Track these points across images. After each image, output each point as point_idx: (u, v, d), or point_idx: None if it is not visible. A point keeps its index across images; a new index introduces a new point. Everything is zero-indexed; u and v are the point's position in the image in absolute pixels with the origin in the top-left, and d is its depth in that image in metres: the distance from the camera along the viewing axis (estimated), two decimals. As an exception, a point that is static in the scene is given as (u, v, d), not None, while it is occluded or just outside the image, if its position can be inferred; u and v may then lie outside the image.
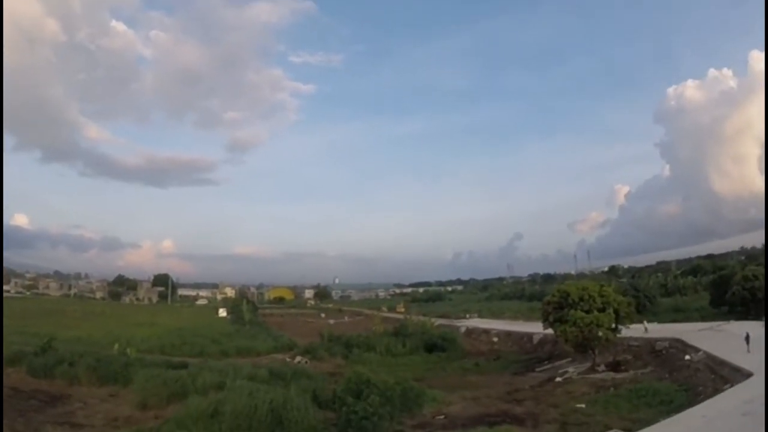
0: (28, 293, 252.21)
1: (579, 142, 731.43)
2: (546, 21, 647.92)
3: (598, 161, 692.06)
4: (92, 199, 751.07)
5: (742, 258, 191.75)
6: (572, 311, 59.69)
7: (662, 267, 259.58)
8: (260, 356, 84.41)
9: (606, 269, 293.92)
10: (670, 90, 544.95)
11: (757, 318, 71.52)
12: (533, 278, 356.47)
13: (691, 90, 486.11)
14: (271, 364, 69.97)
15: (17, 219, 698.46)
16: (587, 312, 59.20)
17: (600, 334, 58.84)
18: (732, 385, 42.17)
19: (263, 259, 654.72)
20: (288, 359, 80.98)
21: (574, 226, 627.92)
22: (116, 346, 78.54)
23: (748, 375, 42.59)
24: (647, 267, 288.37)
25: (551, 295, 67.13)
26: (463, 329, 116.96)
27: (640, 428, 34.34)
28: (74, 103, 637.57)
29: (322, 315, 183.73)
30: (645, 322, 76.76)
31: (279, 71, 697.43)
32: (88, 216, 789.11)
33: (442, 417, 45.84)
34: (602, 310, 59.71)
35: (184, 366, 66.23)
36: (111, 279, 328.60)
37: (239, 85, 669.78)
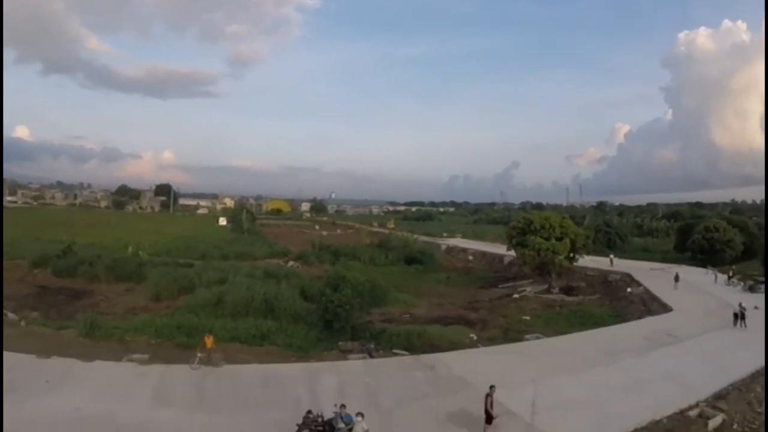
0: (35, 203, 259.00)
1: (583, 77, 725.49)
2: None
3: (600, 98, 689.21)
4: (92, 110, 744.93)
5: (728, 211, 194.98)
6: (533, 237, 66.79)
7: (650, 209, 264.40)
8: (257, 260, 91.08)
9: (595, 204, 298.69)
10: (681, 35, 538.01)
11: (712, 266, 78.74)
12: (524, 206, 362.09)
13: (702, 38, 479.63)
14: (267, 266, 77.00)
15: (18, 131, 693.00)
16: (546, 239, 66.34)
17: (555, 260, 66.27)
18: (653, 316, 50.67)
19: (261, 172, 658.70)
20: (281, 263, 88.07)
21: (572, 159, 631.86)
22: (129, 248, 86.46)
23: (669, 310, 51.15)
24: (636, 207, 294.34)
25: (516, 221, 74.58)
26: (443, 247, 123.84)
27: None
28: (75, 15, 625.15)
29: (316, 227, 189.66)
30: (612, 256, 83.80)
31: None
32: (89, 127, 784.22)
33: (407, 315, 54.07)
34: (560, 239, 66.88)
35: (190, 266, 74.44)
36: (112, 189, 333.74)
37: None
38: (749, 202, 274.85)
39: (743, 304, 43.40)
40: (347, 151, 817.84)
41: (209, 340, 30.03)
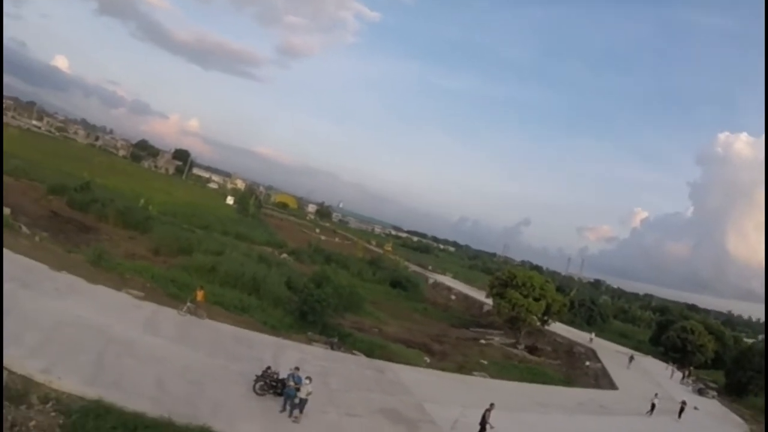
0: (57, 134, 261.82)
1: (613, 152, 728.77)
2: (623, 23, 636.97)
3: (626, 178, 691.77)
4: (134, 61, 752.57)
5: (721, 320, 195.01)
6: (511, 291, 70.22)
7: (645, 299, 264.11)
8: (253, 245, 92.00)
9: (592, 281, 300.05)
10: (722, 135, 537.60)
11: (681, 365, 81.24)
12: (523, 264, 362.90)
13: (741, 143, 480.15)
14: (262, 252, 79.77)
15: (58, 60, 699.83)
16: (525, 296, 69.65)
17: (527, 318, 69.75)
18: (597, 389, 54.61)
19: (279, 164, 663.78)
20: (276, 253, 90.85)
21: (583, 231, 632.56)
22: (141, 201, 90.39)
23: (615, 388, 55.16)
24: (633, 294, 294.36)
25: (501, 272, 78.04)
26: (431, 281, 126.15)
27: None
28: None
29: (317, 230, 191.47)
30: (593, 333, 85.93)
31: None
32: (126, 76, 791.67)
33: (376, 330, 57.86)
34: (537, 299, 70.31)
35: (192, 232, 78.23)
36: (133, 141, 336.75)
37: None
38: (745, 317, 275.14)
39: (685, 401, 47.47)
40: (366, 164, 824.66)
41: (200, 294, 34.23)
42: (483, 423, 26.68)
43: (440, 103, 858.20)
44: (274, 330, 39.91)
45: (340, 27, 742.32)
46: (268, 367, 24.83)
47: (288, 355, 31.62)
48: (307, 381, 23.08)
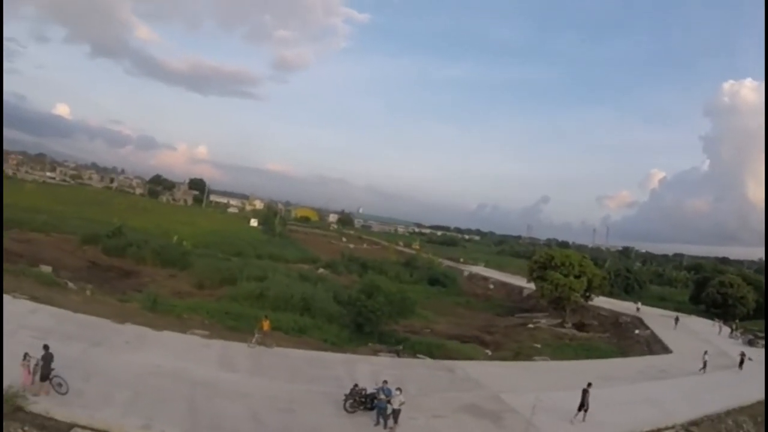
0: (72, 182, 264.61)
1: (621, 118, 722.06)
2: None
3: (637, 141, 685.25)
4: (134, 97, 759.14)
5: (753, 269, 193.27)
6: (552, 272, 71.10)
7: (676, 259, 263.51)
8: (288, 263, 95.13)
9: (620, 249, 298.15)
10: (726, 85, 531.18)
11: (724, 320, 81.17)
12: (549, 243, 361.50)
13: (747, 89, 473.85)
14: (300, 270, 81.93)
15: (59, 109, 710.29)
16: (565, 276, 70.58)
17: (571, 296, 70.52)
18: (651, 355, 55.33)
19: (291, 178, 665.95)
20: (312, 269, 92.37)
21: (602, 200, 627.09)
22: (175, 237, 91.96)
23: (669, 352, 55.64)
24: (662, 256, 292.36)
25: (539, 256, 78.91)
26: (466, 273, 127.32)
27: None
28: (127, 1, 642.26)
29: (343, 239, 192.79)
30: (639, 303, 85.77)
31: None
32: (128, 113, 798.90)
33: (428, 330, 59.02)
34: (578, 277, 71.13)
35: (228, 260, 79.82)
36: (145, 177, 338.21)
37: (293, 3, 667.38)
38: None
39: (744, 352, 48.63)
40: (377, 166, 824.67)
41: (266, 324, 35.33)
42: (583, 403, 27.95)
43: (442, 94, 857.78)
44: (335, 346, 41.03)
45: (330, 34, 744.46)
46: (356, 385, 25.82)
47: (360, 369, 32.71)
48: (398, 392, 24.03)
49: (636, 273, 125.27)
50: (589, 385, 28.47)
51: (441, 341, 50.08)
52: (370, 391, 25.45)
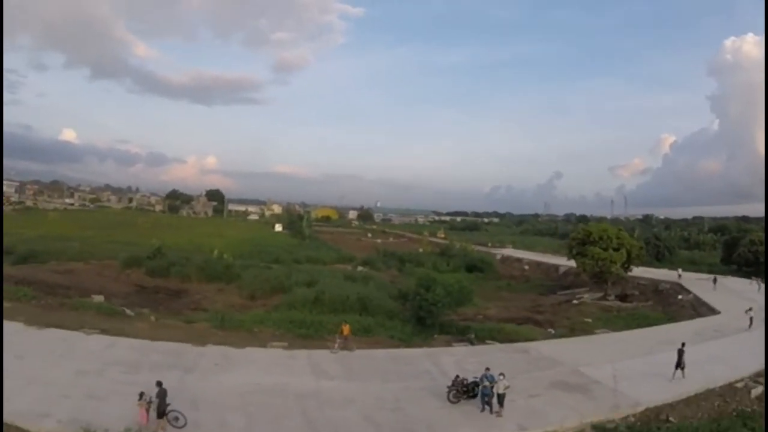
0: (91, 206, 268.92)
1: (627, 85, 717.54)
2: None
3: (645, 107, 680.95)
4: (139, 115, 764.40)
5: None
6: (591, 248, 72.67)
7: (696, 222, 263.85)
8: (326, 265, 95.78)
9: (640, 217, 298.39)
10: (728, 42, 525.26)
11: (757, 277, 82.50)
12: (568, 218, 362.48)
13: (749, 45, 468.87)
14: (344, 271, 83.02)
15: (66, 134, 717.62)
16: (604, 249, 72.15)
17: (612, 269, 72.03)
18: (700, 317, 57.01)
19: (303, 179, 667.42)
20: (350, 268, 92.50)
21: (615, 170, 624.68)
22: (215, 251, 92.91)
23: (717, 313, 57.37)
24: (682, 220, 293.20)
25: (576, 232, 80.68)
26: (498, 256, 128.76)
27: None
28: (122, 20, 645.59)
29: (369, 235, 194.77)
30: (680, 269, 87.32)
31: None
32: (135, 132, 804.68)
33: (480, 316, 60.59)
34: (617, 249, 72.67)
35: (269, 268, 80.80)
36: (159, 193, 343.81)
37: (288, 4, 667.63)
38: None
39: None
40: (388, 159, 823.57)
41: (346, 329, 37.05)
42: (679, 361, 31.26)
43: (445, 80, 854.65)
44: (404, 342, 41.97)
45: (327, 31, 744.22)
46: (457, 376, 27.47)
47: (443, 360, 34.43)
48: (501, 377, 25.68)
49: (665, 240, 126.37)
50: (683, 345, 31.75)
51: (499, 325, 51.73)
52: (470, 380, 27.12)
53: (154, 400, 22.32)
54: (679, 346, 31.82)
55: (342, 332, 36.94)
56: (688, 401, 29.10)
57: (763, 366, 33.82)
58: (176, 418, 22.53)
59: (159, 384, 22.74)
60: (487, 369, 26.63)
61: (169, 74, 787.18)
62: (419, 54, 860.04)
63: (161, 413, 22.20)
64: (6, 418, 21.56)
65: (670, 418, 26.91)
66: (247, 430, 23.31)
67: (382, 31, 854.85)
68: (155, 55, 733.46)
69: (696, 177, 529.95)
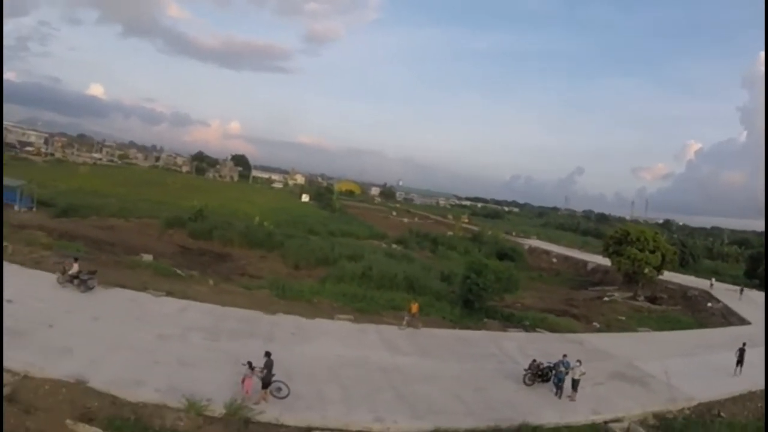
0: (119, 162, 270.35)
1: (654, 89, 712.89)
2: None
3: (671, 112, 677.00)
4: (167, 75, 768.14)
5: None
6: (629, 248, 74.87)
7: (715, 232, 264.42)
8: (360, 240, 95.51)
9: (660, 222, 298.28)
10: (762, 54, 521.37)
11: None
12: (587, 215, 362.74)
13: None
14: (385, 249, 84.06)
15: (93, 89, 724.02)
16: (640, 251, 74.30)
17: (646, 270, 74.17)
18: (728, 326, 59.64)
19: (324, 151, 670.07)
20: (384, 245, 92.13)
21: (638, 172, 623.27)
22: (257, 218, 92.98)
23: (747, 323, 59.50)
24: (701, 229, 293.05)
25: (614, 231, 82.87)
26: (526, 247, 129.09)
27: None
28: None
29: (393, 213, 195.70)
30: (713, 279, 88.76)
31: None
32: (161, 91, 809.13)
33: (518, 305, 62.79)
34: (653, 252, 74.76)
35: (307, 238, 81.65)
36: (182, 153, 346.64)
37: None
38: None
39: None
40: (410, 138, 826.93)
41: (415, 306, 39.42)
42: (740, 359, 35.43)
43: (473, 66, 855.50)
44: (455, 323, 43.30)
45: (361, 5, 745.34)
46: (534, 360, 29.87)
47: (505, 344, 37.13)
48: (578, 363, 28.19)
49: (691, 247, 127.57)
50: (744, 344, 35.84)
51: (542, 315, 53.48)
52: (545, 364, 29.57)
53: (263, 370, 22.58)
54: (740, 346, 36.18)
55: (410, 310, 39.15)
56: (734, 400, 31.85)
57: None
58: (279, 389, 22.99)
59: (267, 354, 23.26)
60: (564, 356, 29.10)
61: (201, 37, 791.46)
62: (449, 36, 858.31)
63: (266, 384, 22.58)
64: (99, 386, 21.43)
65: (721, 414, 29.68)
66: (346, 402, 24.07)
67: (414, 10, 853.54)
68: (188, 17, 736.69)
69: (719, 187, 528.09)
